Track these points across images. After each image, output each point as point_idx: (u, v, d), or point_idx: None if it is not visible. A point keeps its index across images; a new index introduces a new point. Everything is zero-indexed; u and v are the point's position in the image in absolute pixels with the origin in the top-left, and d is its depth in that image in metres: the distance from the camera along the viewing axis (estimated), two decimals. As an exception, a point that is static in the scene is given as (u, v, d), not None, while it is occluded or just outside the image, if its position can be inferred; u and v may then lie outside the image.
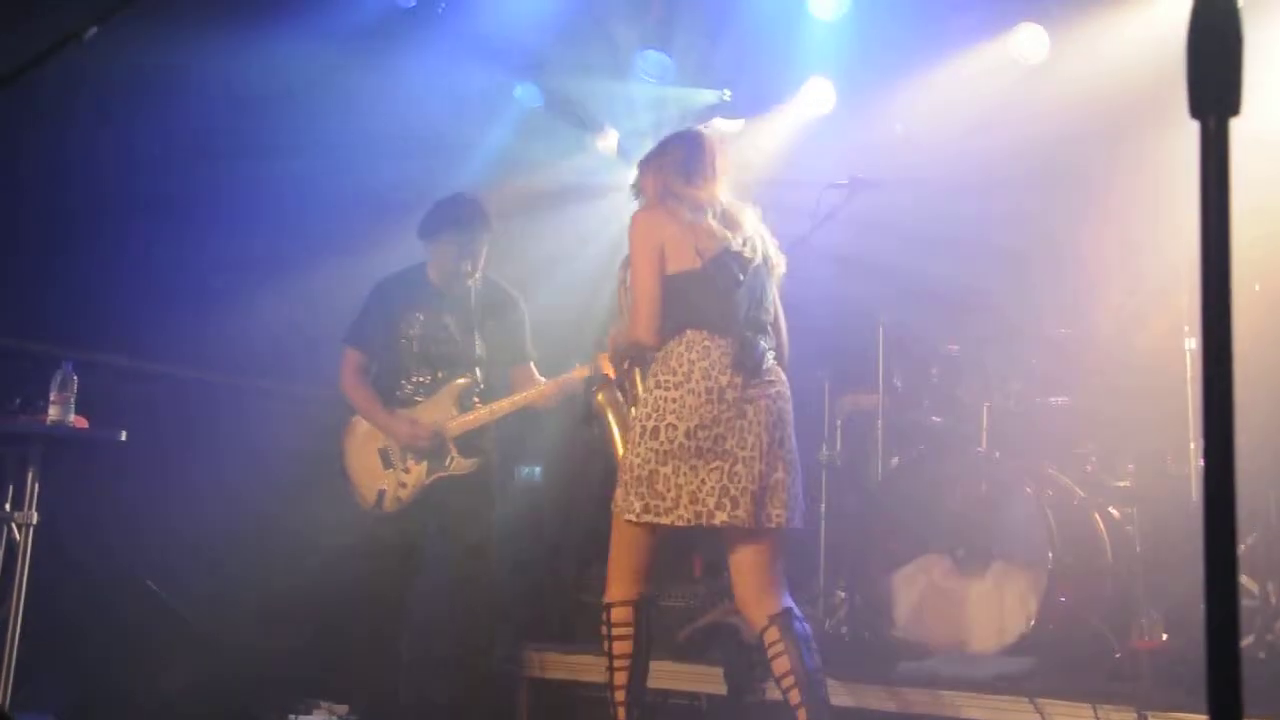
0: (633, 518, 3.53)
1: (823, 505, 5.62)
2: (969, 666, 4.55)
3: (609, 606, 3.66)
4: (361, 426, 4.78)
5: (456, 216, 4.74)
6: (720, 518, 3.46)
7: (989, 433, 5.18)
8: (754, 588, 3.60)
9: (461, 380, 4.70)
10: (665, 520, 3.49)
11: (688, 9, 6.08)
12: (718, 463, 3.48)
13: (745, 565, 3.61)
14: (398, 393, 4.72)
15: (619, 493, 3.59)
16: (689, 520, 3.48)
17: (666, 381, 3.55)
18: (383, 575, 4.68)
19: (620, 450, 3.75)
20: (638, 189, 3.86)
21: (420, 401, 4.69)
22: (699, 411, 3.49)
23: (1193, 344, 4.74)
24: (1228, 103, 1.01)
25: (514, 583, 5.60)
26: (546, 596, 5.92)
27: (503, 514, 5.07)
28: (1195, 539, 4.67)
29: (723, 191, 3.77)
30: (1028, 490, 4.83)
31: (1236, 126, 1.04)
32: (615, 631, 3.64)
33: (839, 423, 5.75)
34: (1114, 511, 5.11)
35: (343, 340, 4.80)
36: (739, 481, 3.47)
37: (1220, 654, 1.02)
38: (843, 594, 5.41)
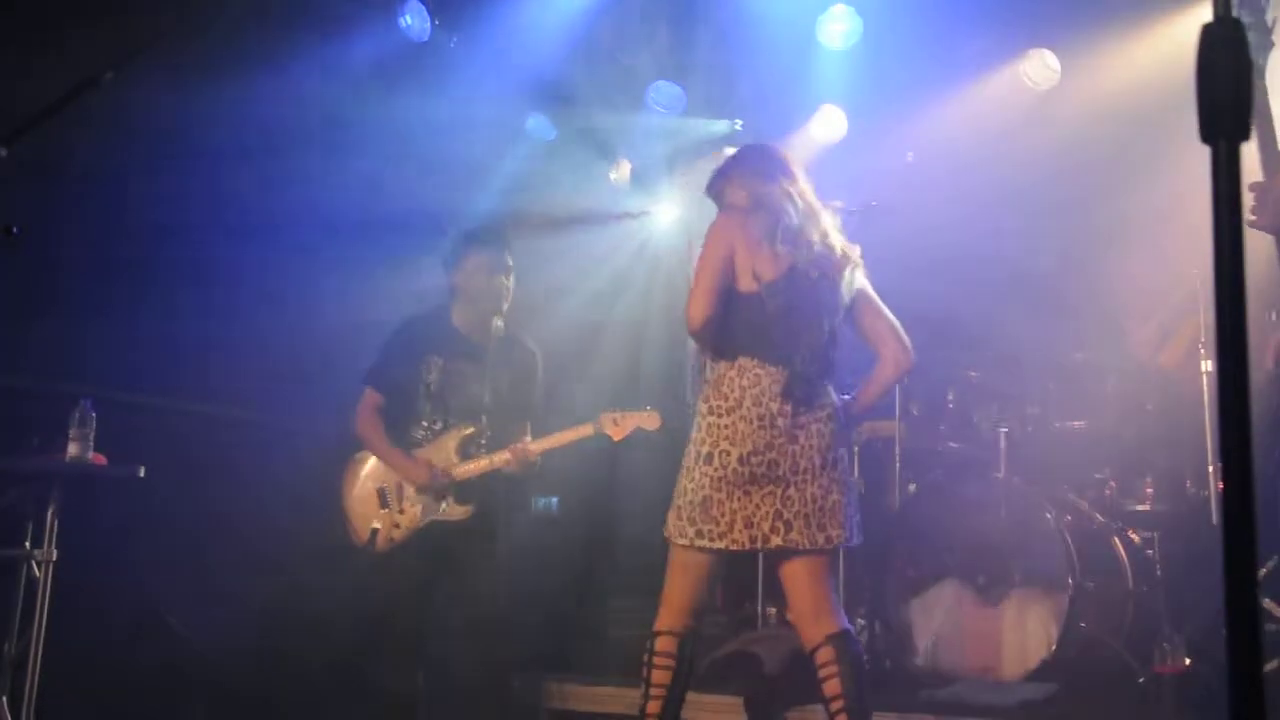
0: (685, 542, 3.53)
1: (841, 533, 5.61)
2: (991, 693, 4.53)
3: (656, 635, 3.63)
4: (364, 464, 4.78)
5: (478, 237, 4.79)
6: (775, 541, 3.48)
7: (1007, 458, 5.16)
8: (810, 606, 3.59)
9: (468, 429, 4.69)
10: (719, 545, 3.49)
11: (699, 39, 6.11)
12: (771, 487, 3.49)
13: (800, 584, 3.60)
14: (409, 435, 4.72)
15: (670, 517, 3.59)
16: (744, 545, 3.48)
17: (719, 408, 3.56)
18: (397, 612, 4.66)
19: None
20: (718, 199, 3.85)
21: (425, 445, 4.69)
22: (752, 438, 3.50)
23: (1210, 366, 4.73)
24: (1237, 128, 1.01)
25: (532, 614, 5.59)
26: (564, 628, 5.91)
27: (519, 546, 5.06)
28: (1216, 562, 4.63)
29: (808, 190, 3.79)
30: (1047, 516, 4.81)
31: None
32: (657, 660, 3.61)
33: (856, 450, 5.74)
34: (1134, 536, 5.10)
35: (363, 380, 4.80)
36: (792, 505, 3.49)
37: (1243, 679, 1.02)
38: (863, 622, 5.38)
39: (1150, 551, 4.97)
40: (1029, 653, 4.68)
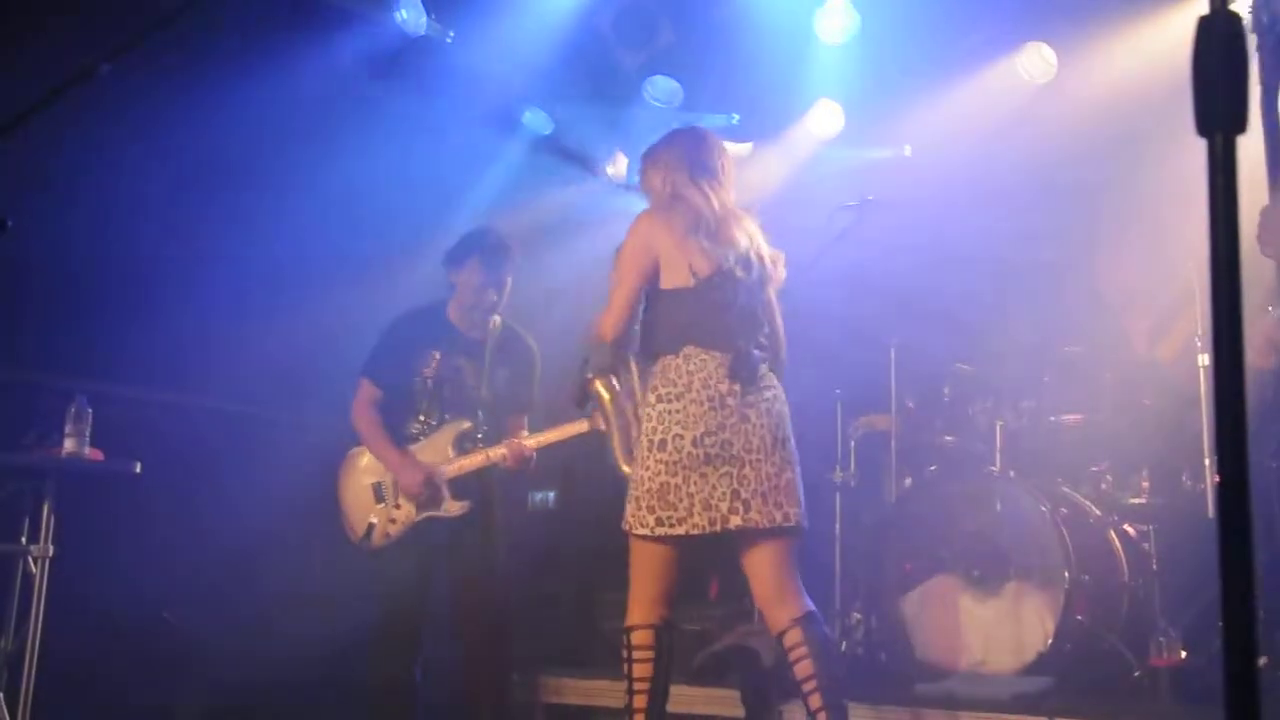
0: (646, 531, 3.53)
1: (837, 526, 5.62)
2: (987, 687, 4.54)
3: (630, 630, 3.63)
4: (361, 458, 4.77)
5: (483, 246, 4.72)
6: (735, 521, 3.48)
7: (1002, 452, 5.16)
8: (774, 590, 3.62)
9: (464, 424, 4.68)
10: (679, 530, 3.50)
11: (696, 34, 6.09)
12: (726, 468, 3.50)
13: (763, 568, 3.61)
14: (405, 430, 4.71)
15: (629, 509, 3.59)
16: (703, 527, 3.48)
17: (668, 394, 3.57)
18: (397, 605, 4.66)
19: (614, 426, 3.83)
20: (644, 184, 3.87)
21: (421, 441, 4.69)
22: (704, 419, 3.52)
23: (1206, 359, 4.73)
24: (1234, 120, 1.01)
25: (528, 608, 5.59)
26: (561, 622, 5.91)
27: (516, 540, 5.05)
28: (1212, 556, 4.64)
29: (726, 195, 3.78)
30: (1043, 509, 4.82)
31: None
32: (636, 655, 3.61)
33: (852, 444, 5.75)
34: (1130, 529, 5.10)
35: (359, 372, 4.79)
36: (748, 484, 3.50)
37: (1238, 672, 1.02)
38: (859, 615, 5.39)
39: (1146, 545, 4.97)
40: (1025, 646, 4.68)
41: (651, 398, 3.61)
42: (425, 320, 4.80)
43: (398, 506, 4.64)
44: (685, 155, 3.79)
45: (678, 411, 3.53)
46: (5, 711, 4.01)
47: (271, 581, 5.24)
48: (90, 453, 4.29)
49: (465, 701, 4.65)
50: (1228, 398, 1.02)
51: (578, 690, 5.12)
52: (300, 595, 5.23)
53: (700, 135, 3.92)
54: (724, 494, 3.49)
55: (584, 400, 4.00)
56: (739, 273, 3.66)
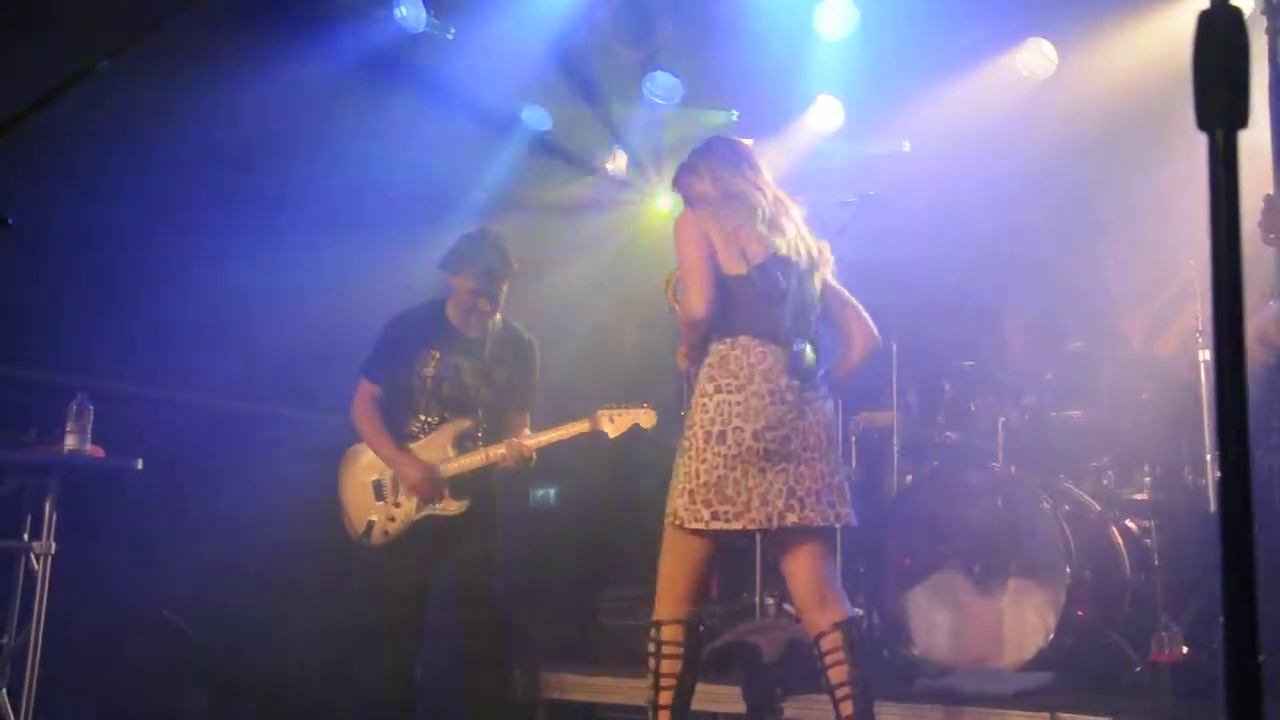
0: (701, 526, 3.48)
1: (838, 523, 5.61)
2: (988, 682, 4.54)
3: (659, 624, 3.59)
4: (361, 456, 4.78)
5: (477, 254, 4.69)
6: (791, 518, 3.46)
7: (1004, 448, 5.16)
8: (817, 592, 3.58)
9: (465, 423, 4.68)
10: (736, 525, 3.47)
11: (695, 30, 6.10)
12: (783, 464, 3.48)
13: (807, 569, 3.58)
14: (406, 429, 4.71)
15: (680, 503, 3.53)
16: (760, 523, 3.46)
17: (728, 385, 3.53)
18: (397, 602, 4.66)
19: None
20: (690, 193, 3.82)
21: (421, 439, 4.69)
22: (765, 413, 3.49)
23: (1207, 355, 4.72)
24: (1235, 114, 1.01)
25: (529, 605, 5.59)
26: (563, 619, 5.91)
27: (517, 537, 5.06)
28: (1214, 551, 4.64)
29: (769, 183, 3.79)
30: (1044, 505, 4.82)
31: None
32: (665, 650, 3.56)
33: (853, 440, 5.76)
34: (1131, 525, 5.10)
35: (359, 372, 4.79)
36: (804, 482, 3.49)
37: (1240, 667, 1.02)
38: (860, 611, 5.39)
39: (1148, 540, 4.97)
40: (1026, 642, 4.69)
41: (709, 388, 3.56)
42: (424, 319, 4.79)
43: (397, 505, 4.64)
44: (727, 157, 3.81)
45: (739, 404, 3.49)
46: (8, 708, 4.01)
47: (273, 579, 5.23)
48: (91, 449, 4.28)
49: (466, 699, 4.65)
50: (1229, 392, 1.02)
51: (579, 686, 5.12)
52: (301, 592, 5.23)
53: (733, 141, 3.96)
54: (780, 491, 3.46)
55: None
56: (792, 256, 3.66)
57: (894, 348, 5.45)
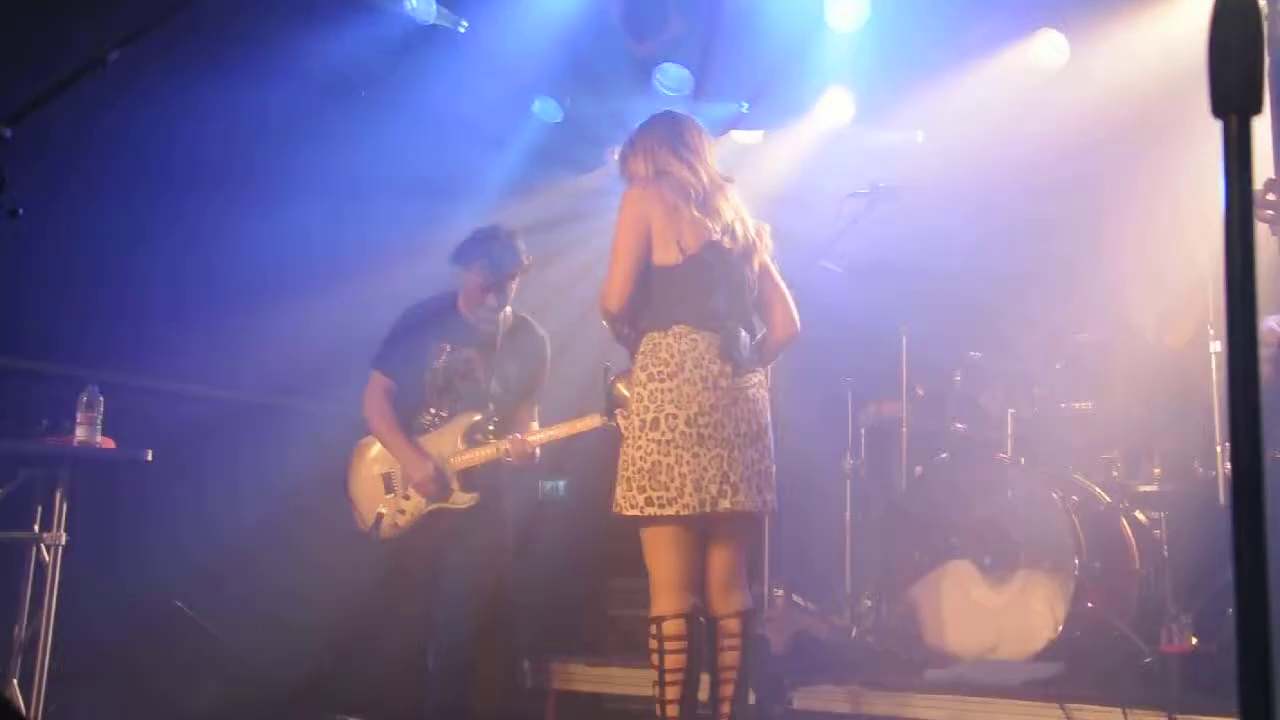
0: (636, 512, 3.52)
1: (847, 514, 5.62)
2: (997, 673, 4.53)
3: (660, 620, 3.58)
4: (371, 449, 4.78)
5: (489, 250, 4.68)
6: (724, 504, 3.50)
7: (1014, 439, 5.16)
8: (727, 578, 3.69)
9: (475, 416, 4.68)
10: (669, 511, 3.49)
11: (706, 22, 6.08)
12: (717, 450, 3.51)
13: (726, 554, 3.69)
14: (416, 421, 4.71)
15: (619, 490, 3.57)
16: (694, 509, 3.48)
17: (660, 373, 3.56)
18: (407, 594, 4.67)
19: None
20: (627, 172, 3.86)
21: (432, 432, 4.69)
22: (697, 399, 3.52)
23: (1218, 346, 4.71)
24: (1249, 101, 1.00)
25: (539, 596, 5.59)
26: (572, 610, 5.91)
27: (526, 529, 5.06)
28: (1224, 543, 4.63)
29: (710, 169, 3.81)
30: (1054, 496, 4.81)
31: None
32: (669, 645, 3.56)
33: (862, 431, 5.76)
34: (1141, 517, 5.09)
35: (371, 365, 4.79)
36: (737, 468, 3.53)
37: (1251, 657, 1.02)
38: (869, 603, 5.40)
39: (1157, 532, 4.96)
40: (1035, 633, 4.68)
41: (642, 376, 3.60)
42: (435, 312, 4.79)
43: (407, 498, 4.64)
44: (665, 136, 3.82)
45: (670, 390, 3.53)
46: (20, 698, 4.03)
47: (283, 569, 5.24)
48: (102, 441, 4.29)
49: (475, 689, 4.65)
50: (1241, 383, 1.02)
51: (589, 677, 5.12)
52: (312, 583, 5.23)
53: (676, 116, 3.95)
54: (714, 476, 3.50)
55: (613, 407, 3.98)
56: (726, 242, 3.68)
57: (903, 339, 5.45)
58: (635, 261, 3.62)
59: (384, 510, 4.65)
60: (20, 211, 2.39)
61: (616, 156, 3.98)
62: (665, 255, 3.62)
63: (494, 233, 4.76)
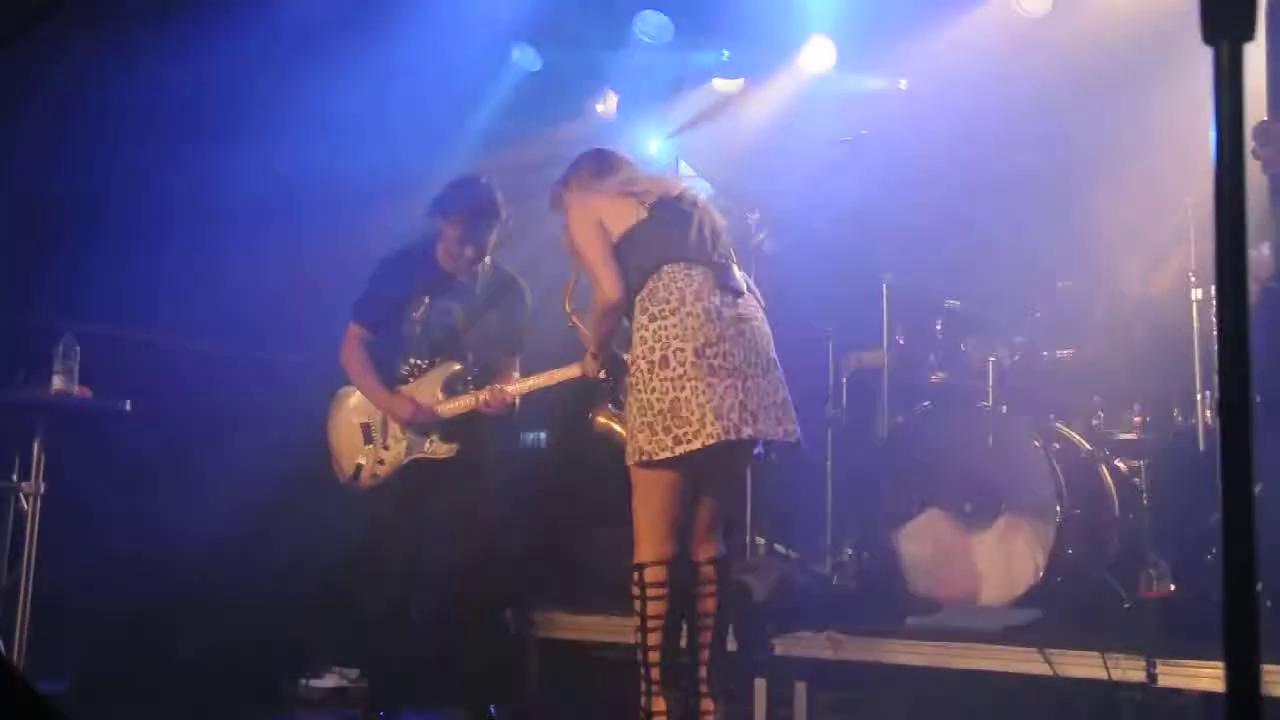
0: (668, 454, 3.49)
1: (829, 463, 5.63)
2: (978, 619, 4.56)
3: (641, 567, 3.60)
4: (350, 398, 4.76)
5: (466, 200, 4.64)
6: (746, 431, 3.49)
7: (994, 387, 5.16)
8: (707, 524, 3.72)
9: (454, 366, 4.66)
10: (696, 444, 3.46)
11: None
12: (730, 380, 3.51)
13: (710, 501, 3.71)
14: (395, 372, 4.69)
15: (642, 438, 3.54)
16: (718, 436, 3.46)
17: (660, 312, 3.56)
18: (388, 544, 4.66)
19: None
20: (560, 206, 3.95)
21: (411, 382, 4.67)
22: (703, 330, 3.52)
23: (1199, 294, 4.72)
24: (1241, 27, 0.98)
25: (520, 545, 5.61)
26: (555, 560, 5.92)
27: (507, 477, 5.05)
28: (1203, 490, 4.67)
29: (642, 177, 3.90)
30: (1035, 444, 4.82)
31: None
32: (650, 592, 3.59)
33: (843, 380, 5.76)
34: (1121, 465, 5.11)
35: (350, 314, 4.76)
36: (754, 397, 3.53)
37: (1238, 598, 1.02)
38: (849, 551, 5.42)
39: (1137, 480, 4.98)
40: (1015, 579, 4.71)
41: (643, 319, 3.59)
42: (414, 261, 4.75)
43: (386, 448, 4.62)
44: (593, 168, 3.93)
45: (674, 326, 3.52)
46: (1, 648, 4.02)
47: (264, 520, 5.23)
48: (79, 390, 4.26)
49: (459, 639, 4.66)
50: (1230, 316, 1.01)
51: (571, 625, 5.14)
52: (293, 533, 5.23)
53: (601, 152, 4.05)
54: (732, 404, 3.48)
55: (598, 441, 4.01)
56: (687, 197, 3.77)
57: (884, 287, 5.43)
58: (605, 247, 3.65)
59: (363, 460, 4.64)
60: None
61: (549, 199, 4.07)
62: (627, 219, 3.67)
63: (471, 182, 4.72)
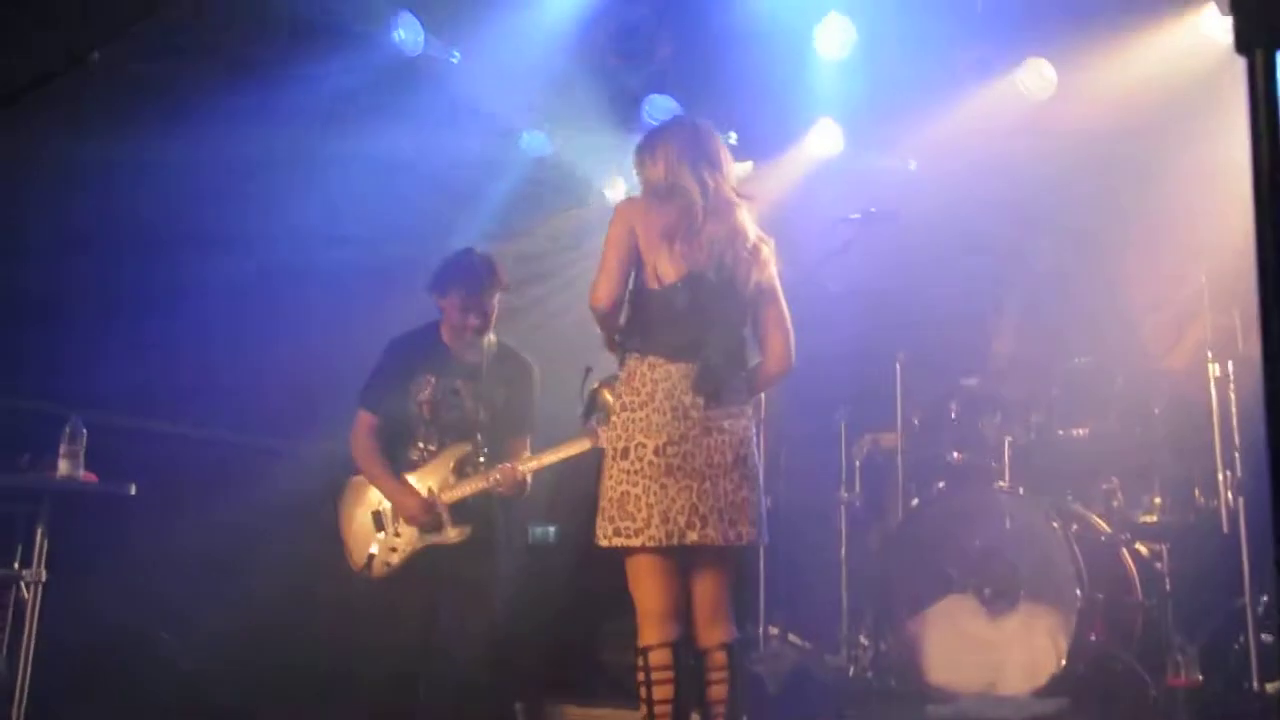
0: (605, 542, 3.47)
1: (843, 548, 5.54)
2: (1000, 709, 4.45)
3: (646, 651, 3.50)
4: (360, 489, 4.72)
5: (464, 273, 4.66)
6: (691, 536, 3.43)
7: (1011, 467, 5.09)
8: (710, 609, 3.60)
9: (465, 448, 4.62)
10: (636, 542, 3.42)
11: (694, 53, 6.07)
12: (687, 481, 3.44)
13: (707, 586, 3.60)
14: (406, 456, 4.65)
15: (597, 522, 3.51)
16: (660, 540, 3.41)
17: (631, 403, 3.51)
18: (400, 631, 4.57)
19: None
20: (642, 175, 3.74)
21: (422, 467, 4.62)
22: (666, 429, 3.46)
23: (1217, 370, 4.66)
24: (1273, 35, 0.95)
25: (530, 639, 5.50)
26: (564, 653, 5.82)
27: (516, 571, 4.98)
28: (1228, 573, 4.57)
29: (724, 185, 3.70)
30: (1054, 525, 4.73)
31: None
32: (655, 676, 3.48)
33: (857, 463, 5.69)
34: (1142, 549, 5.01)
35: (357, 402, 4.73)
36: (707, 500, 3.45)
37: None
38: (865, 641, 5.30)
39: (1159, 565, 4.89)
40: (1038, 667, 4.58)
41: (617, 405, 3.56)
42: (419, 344, 4.74)
43: (398, 534, 4.57)
44: (684, 144, 3.69)
45: (641, 420, 3.47)
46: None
47: (268, 608, 5.14)
48: (84, 475, 4.21)
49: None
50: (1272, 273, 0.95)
51: (582, 718, 5.02)
52: (298, 622, 5.14)
53: (695, 124, 3.84)
54: (682, 508, 3.43)
55: (591, 410, 3.91)
56: (710, 276, 3.57)
57: (897, 367, 5.39)
58: (620, 261, 3.53)
59: (375, 550, 4.58)
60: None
61: (633, 156, 3.79)
62: (649, 280, 3.56)
63: (465, 254, 4.74)
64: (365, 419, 4.70)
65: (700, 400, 3.50)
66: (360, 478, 4.73)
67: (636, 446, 3.45)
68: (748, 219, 3.71)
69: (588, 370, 3.94)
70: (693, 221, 3.57)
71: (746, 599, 5.48)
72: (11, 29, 4.52)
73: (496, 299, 4.69)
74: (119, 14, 2.32)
